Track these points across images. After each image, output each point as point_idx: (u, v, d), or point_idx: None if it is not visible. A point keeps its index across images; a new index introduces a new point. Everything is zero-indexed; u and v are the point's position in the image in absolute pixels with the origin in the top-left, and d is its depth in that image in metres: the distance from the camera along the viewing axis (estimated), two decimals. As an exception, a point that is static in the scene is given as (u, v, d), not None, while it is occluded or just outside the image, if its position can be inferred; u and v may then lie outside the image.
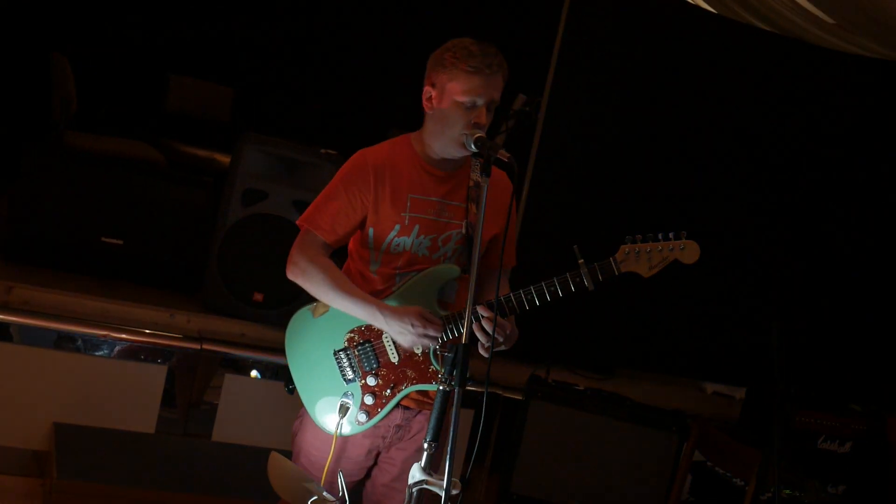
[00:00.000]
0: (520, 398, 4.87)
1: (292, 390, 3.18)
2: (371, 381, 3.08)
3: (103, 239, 5.11)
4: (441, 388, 2.62)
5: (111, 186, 5.20)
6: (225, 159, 5.98)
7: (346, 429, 3.09)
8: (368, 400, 3.08)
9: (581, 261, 2.96)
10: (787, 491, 4.44)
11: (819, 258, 5.97)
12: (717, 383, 5.96)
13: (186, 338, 4.76)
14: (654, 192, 5.61)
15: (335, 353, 3.11)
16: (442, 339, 3.02)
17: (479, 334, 2.95)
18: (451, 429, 2.54)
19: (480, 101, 2.94)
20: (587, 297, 3.07)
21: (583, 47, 5.38)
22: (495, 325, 2.91)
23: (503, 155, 2.80)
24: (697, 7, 6.31)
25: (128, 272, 5.16)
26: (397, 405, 3.11)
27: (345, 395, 3.08)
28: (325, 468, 3.03)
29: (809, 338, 5.80)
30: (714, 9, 6.38)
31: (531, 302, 3.00)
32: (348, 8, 7.77)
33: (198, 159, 6.80)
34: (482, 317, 2.95)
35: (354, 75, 7.83)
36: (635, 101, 5.56)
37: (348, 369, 3.09)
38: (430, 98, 3.02)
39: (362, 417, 3.08)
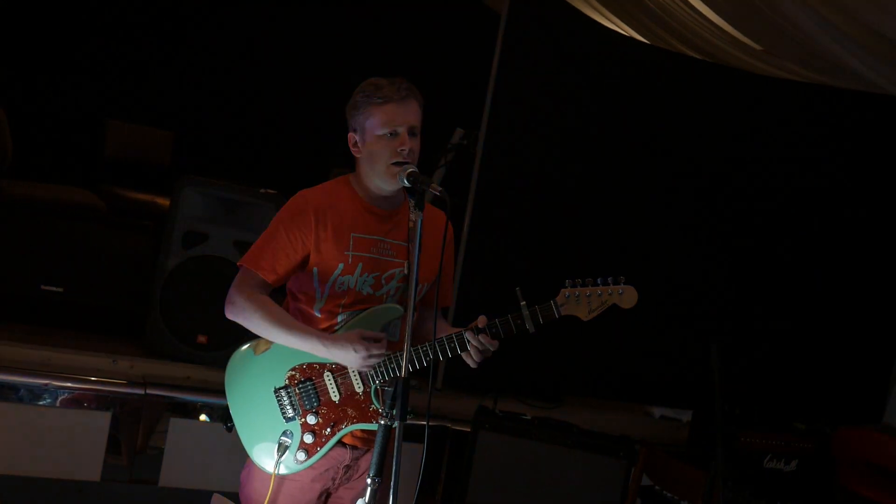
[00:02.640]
0: (468, 430, 4.88)
1: (231, 428, 3.17)
2: (311, 419, 3.08)
3: (43, 287, 5.07)
4: (382, 422, 2.64)
5: (50, 234, 5.17)
6: (166, 202, 5.95)
7: (285, 469, 3.07)
8: (308, 439, 3.07)
9: (523, 303, 2.98)
10: (735, 511, 4.48)
11: (758, 280, 6.05)
12: (664, 407, 6.00)
13: (130, 383, 4.72)
14: (594, 220, 5.66)
15: (276, 390, 3.10)
16: (385, 373, 3.03)
17: (469, 360, 3.01)
18: (395, 463, 2.55)
19: (400, 129, 2.99)
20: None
21: (519, 79, 5.43)
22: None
23: (435, 188, 2.83)
24: (631, 38, 6.41)
25: (69, 319, 5.11)
26: (344, 445, 3.10)
27: (284, 433, 3.07)
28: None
29: (751, 359, 5.88)
30: (647, 39, 6.49)
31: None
32: (285, 48, 7.80)
33: (138, 203, 6.75)
34: (469, 343, 2.97)
35: (294, 115, 7.83)
36: (572, 131, 5.62)
37: (288, 407, 3.08)
38: (355, 143, 3.08)
39: (301, 456, 3.07)
